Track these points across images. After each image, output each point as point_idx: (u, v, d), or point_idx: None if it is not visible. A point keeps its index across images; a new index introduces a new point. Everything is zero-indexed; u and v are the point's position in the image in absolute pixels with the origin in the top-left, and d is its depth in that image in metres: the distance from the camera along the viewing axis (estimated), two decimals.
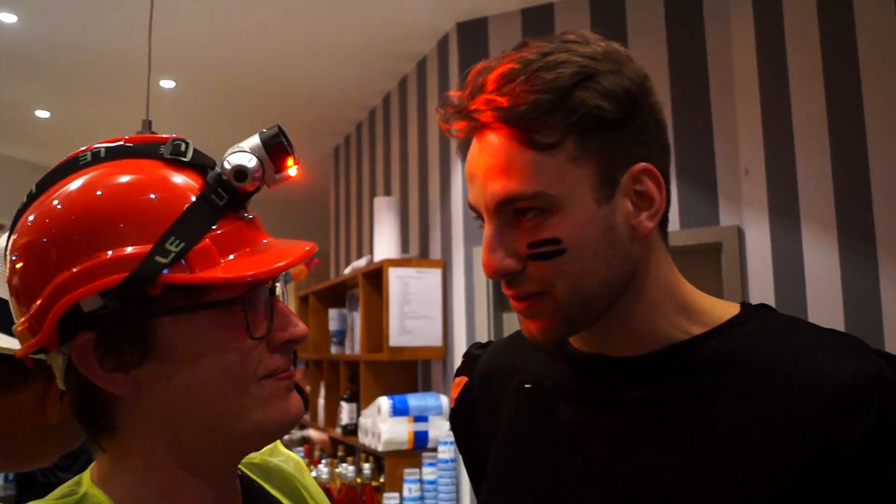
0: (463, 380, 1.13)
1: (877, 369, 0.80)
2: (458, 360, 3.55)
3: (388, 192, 4.59)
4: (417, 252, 4.11)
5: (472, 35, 3.62)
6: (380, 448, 3.54)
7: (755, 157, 2.88)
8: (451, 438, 3.49)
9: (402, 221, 4.11)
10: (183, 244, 0.71)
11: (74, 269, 0.70)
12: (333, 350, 4.54)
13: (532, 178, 0.82)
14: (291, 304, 6.12)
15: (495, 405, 1.03)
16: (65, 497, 0.75)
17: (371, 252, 4.09)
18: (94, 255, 0.70)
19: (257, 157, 0.76)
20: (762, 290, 2.80)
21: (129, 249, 0.70)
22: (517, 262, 0.85)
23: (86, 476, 0.79)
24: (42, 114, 5.12)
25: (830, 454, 0.79)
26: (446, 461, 3.45)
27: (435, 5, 3.52)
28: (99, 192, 0.72)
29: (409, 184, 4.29)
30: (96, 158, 0.75)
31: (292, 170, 0.80)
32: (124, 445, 0.76)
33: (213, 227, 0.73)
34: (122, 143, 0.77)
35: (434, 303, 3.70)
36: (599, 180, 0.83)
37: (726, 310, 0.92)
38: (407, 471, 3.48)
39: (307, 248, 0.78)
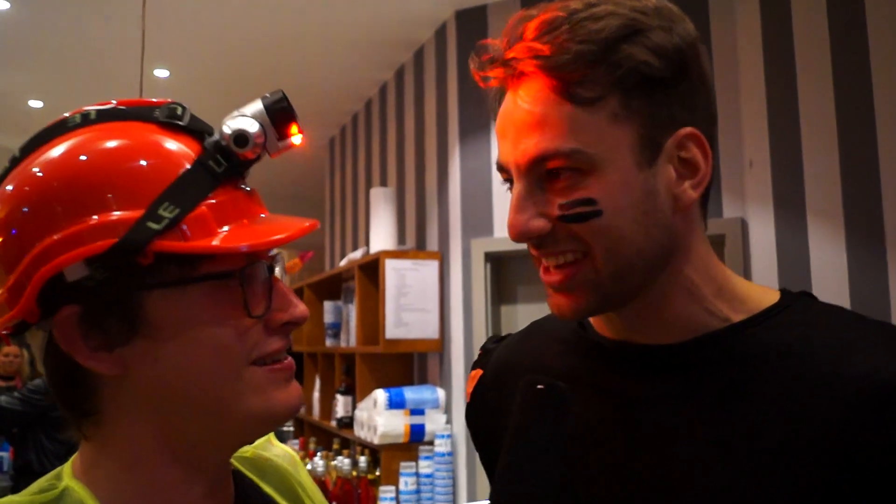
0: (478, 373, 1.08)
1: None
2: (454, 354, 3.55)
3: (384, 184, 4.54)
4: (414, 244, 4.06)
5: (471, 23, 3.57)
6: (376, 441, 3.50)
7: (759, 148, 2.84)
8: (448, 432, 3.47)
9: (398, 213, 4.06)
10: (178, 210, 0.66)
11: (57, 236, 0.65)
12: (328, 343, 4.50)
13: (569, 134, 0.77)
14: None
15: (506, 402, 0.99)
16: (43, 492, 0.70)
17: (367, 244, 4.04)
18: (79, 221, 0.65)
19: (259, 122, 0.72)
20: (766, 284, 2.74)
21: (118, 214, 0.65)
22: (547, 224, 0.79)
23: (66, 468, 0.73)
24: (35, 103, 5.05)
25: (868, 456, 0.73)
26: (443, 455, 3.41)
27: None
28: (85, 156, 0.67)
29: (405, 175, 4.24)
30: (86, 120, 0.70)
31: (296, 137, 0.75)
32: (108, 433, 0.71)
33: (210, 196, 0.69)
34: (113, 105, 0.72)
35: (431, 295, 3.65)
36: (642, 142, 0.78)
37: (766, 296, 0.86)
38: (403, 464, 3.44)
39: (307, 224, 0.73)
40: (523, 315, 3.47)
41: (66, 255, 0.64)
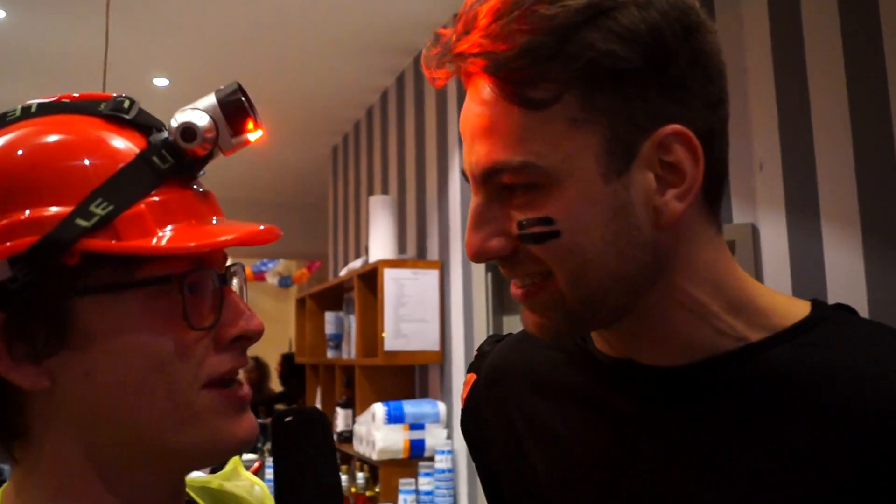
0: (472, 377, 0.97)
1: None
2: (455, 366, 3.43)
3: (385, 191, 4.45)
4: (415, 253, 3.96)
5: None
6: (374, 457, 3.39)
7: (770, 150, 2.72)
8: (449, 447, 3.35)
9: (399, 221, 3.96)
10: (111, 207, 0.60)
11: None
12: (330, 354, 4.40)
13: (519, 144, 0.65)
14: (289, 309, 5.99)
15: (501, 409, 0.88)
16: None
17: (367, 253, 3.94)
18: (5, 217, 0.60)
19: (211, 115, 0.66)
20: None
21: (48, 211, 0.60)
22: (506, 243, 0.68)
23: None
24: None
25: None
26: (443, 471, 3.29)
27: None
28: (15, 150, 0.62)
29: (406, 183, 4.15)
30: (26, 114, 0.65)
31: (253, 133, 0.68)
32: (37, 455, 0.65)
33: (152, 193, 0.63)
34: (56, 98, 0.68)
35: (431, 306, 3.54)
36: (609, 148, 0.65)
37: (794, 310, 0.73)
38: (402, 481, 3.33)
39: (261, 227, 0.66)
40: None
41: None
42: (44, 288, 0.60)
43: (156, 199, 0.63)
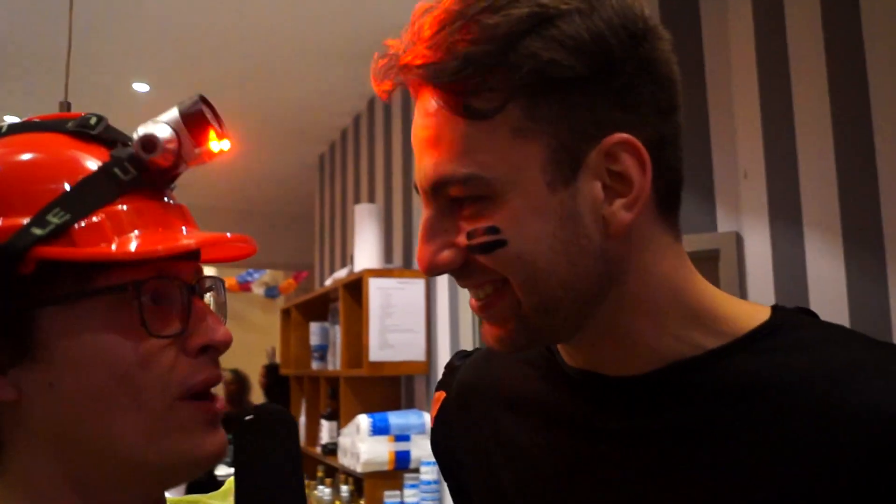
0: (441, 395, 0.96)
1: None
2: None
3: (372, 200, 4.43)
4: (402, 262, 3.94)
5: None
6: (359, 469, 3.36)
7: (754, 159, 2.72)
8: (433, 459, 3.32)
9: (385, 230, 3.95)
10: (68, 216, 0.61)
11: None
12: (315, 365, 4.37)
13: (463, 156, 0.65)
14: (275, 320, 5.95)
15: (472, 426, 0.87)
16: None
17: (352, 262, 3.92)
18: None
19: (173, 128, 0.66)
20: (762, 300, 2.62)
21: (6, 222, 0.60)
22: (456, 255, 0.68)
23: None
24: (11, 119, 4.96)
25: (877, 501, 0.60)
26: (429, 483, 3.27)
27: (418, 2, 3.35)
28: None
29: (393, 191, 4.13)
30: None
31: (216, 144, 0.69)
32: (9, 470, 0.64)
33: (114, 204, 0.63)
34: (27, 119, 0.70)
35: (417, 315, 3.52)
36: (554, 157, 0.65)
37: (753, 316, 0.72)
38: (387, 493, 3.31)
39: (228, 235, 0.68)
40: None
41: None
42: (3, 298, 0.60)
43: (119, 208, 0.63)
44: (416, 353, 3.50)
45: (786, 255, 2.58)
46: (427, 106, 0.67)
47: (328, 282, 4.17)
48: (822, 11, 2.50)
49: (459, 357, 0.99)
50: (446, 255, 0.68)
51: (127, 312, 0.62)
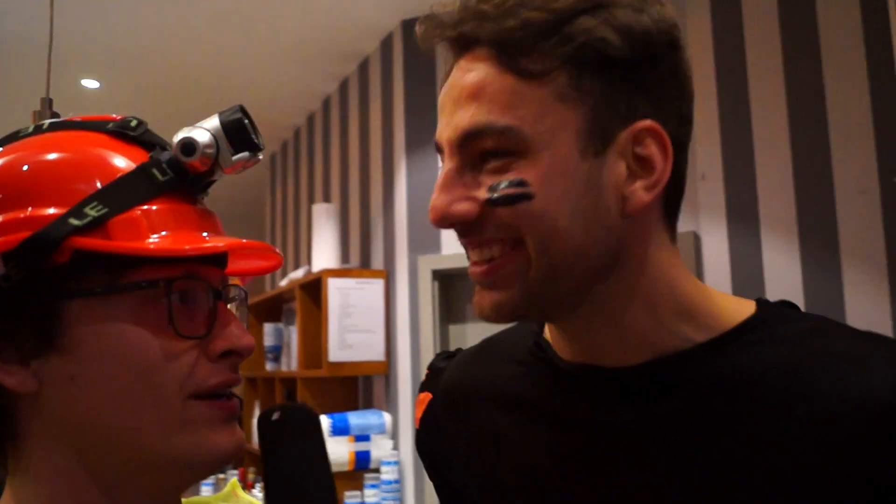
0: (427, 396, 0.96)
1: None
2: (401, 376, 3.41)
3: (327, 200, 4.40)
4: (358, 262, 3.92)
5: None
6: None
7: (712, 160, 2.79)
8: (395, 458, 3.32)
9: (342, 230, 3.92)
10: (105, 210, 0.62)
11: None
12: (269, 367, 4.32)
13: (507, 108, 0.67)
14: None
15: (463, 426, 0.88)
16: None
17: (309, 262, 3.89)
18: (9, 213, 0.61)
19: (212, 133, 0.68)
20: None
21: (45, 212, 0.61)
22: (472, 207, 0.69)
23: None
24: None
25: (868, 486, 0.63)
26: (390, 482, 3.26)
27: (379, 2, 3.35)
28: (24, 158, 0.65)
29: (349, 191, 4.11)
30: (38, 130, 0.68)
31: (253, 152, 0.71)
32: (29, 464, 0.64)
33: (149, 203, 0.64)
34: (69, 118, 0.70)
35: (376, 315, 3.51)
36: (590, 127, 0.68)
37: (740, 310, 0.75)
38: (348, 493, 3.29)
39: (247, 241, 0.68)
40: (472, 334, 3.34)
41: None
42: (34, 288, 0.60)
43: (154, 207, 0.64)
44: (376, 353, 3.49)
45: (743, 254, 2.65)
46: (474, 61, 0.70)
47: (283, 282, 4.13)
48: (779, 17, 2.57)
49: (442, 358, 0.99)
50: (463, 206, 0.69)
51: (153, 310, 0.63)
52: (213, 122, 0.69)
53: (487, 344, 0.94)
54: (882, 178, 2.30)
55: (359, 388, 3.81)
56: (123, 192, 0.64)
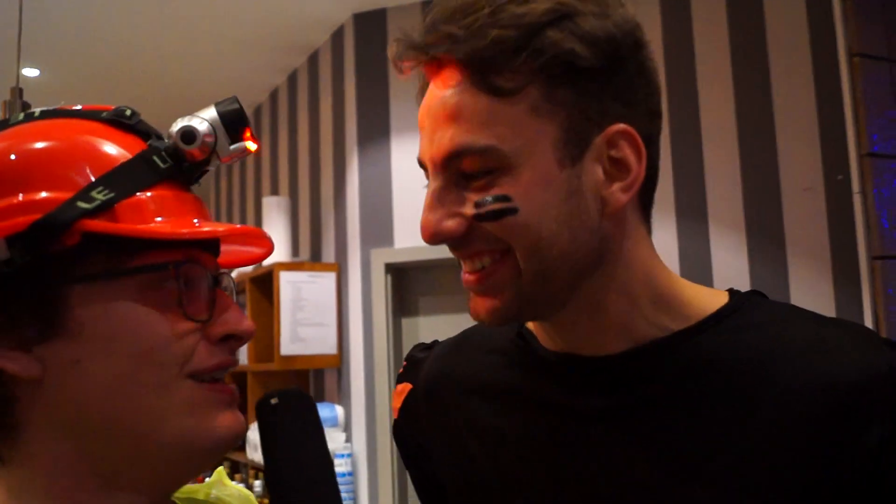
0: (407, 387, 0.99)
1: (890, 365, 0.70)
2: (354, 369, 3.42)
3: (275, 192, 4.37)
4: (308, 255, 3.91)
5: (370, 27, 3.47)
6: None
7: (662, 158, 2.83)
8: (348, 451, 3.33)
9: (292, 223, 3.90)
10: (112, 194, 0.62)
11: None
12: None
13: (484, 128, 0.70)
14: None
15: (443, 416, 0.91)
16: None
17: None
18: (7, 198, 0.61)
19: (210, 123, 0.69)
20: None
21: (46, 195, 0.61)
22: (460, 224, 0.72)
23: None
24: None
25: (839, 464, 0.68)
26: (342, 475, 3.27)
27: None
28: (24, 141, 0.64)
29: (299, 184, 4.09)
30: (29, 118, 0.68)
31: (251, 143, 0.72)
32: (28, 454, 0.63)
33: (150, 189, 0.65)
34: (60, 107, 0.70)
35: (328, 309, 3.51)
36: (566, 137, 0.71)
37: (713, 300, 0.79)
38: None
39: (242, 227, 0.72)
40: (425, 327, 3.38)
41: None
42: (39, 273, 0.60)
43: (153, 194, 0.65)
44: (328, 346, 3.49)
45: (691, 249, 2.73)
46: (449, 83, 0.72)
47: (233, 275, 4.08)
48: (728, 20, 2.65)
49: (420, 350, 1.02)
50: (451, 223, 0.72)
51: (157, 293, 0.63)
52: (211, 112, 0.70)
53: (467, 335, 0.97)
54: (826, 176, 2.40)
55: (310, 381, 3.80)
56: (128, 178, 0.64)
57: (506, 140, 0.70)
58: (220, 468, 0.87)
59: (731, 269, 2.58)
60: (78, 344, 0.61)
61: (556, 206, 0.71)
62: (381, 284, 3.33)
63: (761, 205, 2.53)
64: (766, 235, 2.50)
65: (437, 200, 0.73)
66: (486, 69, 0.69)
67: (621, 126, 0.72)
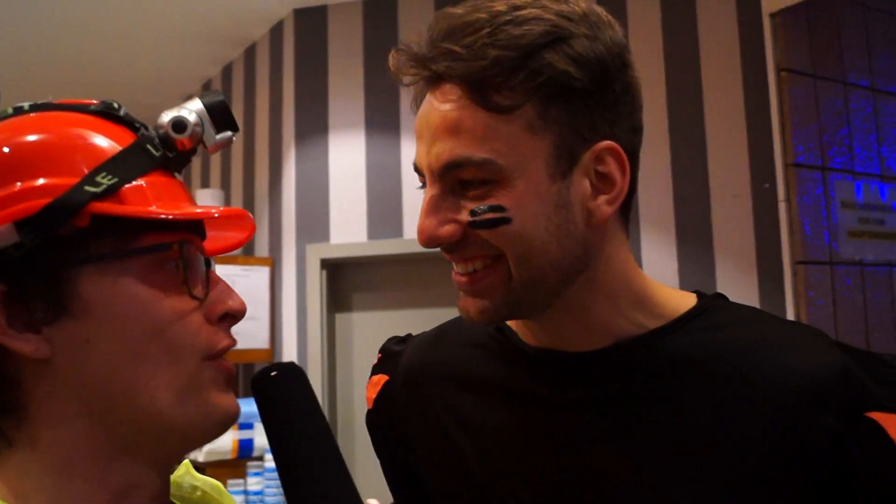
0: (383, 378, 1.03)
1: (841, 363, 0.77)
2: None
3: (206, 185, 4.30)
4: (241, 249, 3.86)
5: (310, 23, 3.47)
6: (200, 458, 3.27)
7: None
8: None
9: None
10: (116, 179, 0.65)
11: None
12: None
13: (481, 142, 0.74)
14: None
15: (424, 409, 0.95)
16: None
17: None
18: (8, 187, 0.63)
19: (197, 114, 0.73)
20: None
21: (45, 181, 0.63)
22: (456, 230, 0.77)
23: None
24: None
25: (799, 453, 0.75)
26: (273, 470, 3.26)
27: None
28: (22, 131, 0.67)
29: (231, 177, 4.05)
30: (18, 111, 0.70)
31: (231, 132, 0.76)
32: (35, 435, 0.65)
33: (146, 175, 0.68)
34: (49, 102, 0.72)
35: (261, 303, 3.49)
36: (557, 153, 0.76)
37: (683, 301, 0.86)
38: (231, 482, 3.24)
39: (238, 209, 0.75)
40: (359, 323, 3.40)
41: None
42: (47, 255, 0.62)
43: (149, 180, 0.68)
44: (260, 341, 3.47)
45: None
46: (446, 97, 0.76)
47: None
48: (662, 31, 2.76)
49: (395, 342, 1.06)
50: (448, 228, 0.77)
51: (159, 273, 0.66)
52: (197, 104, 0.74)
53: (446, 329, 1.02)
54: (753, 183, 2.54)
55: (240, 375, 3.77)
56: (127, 165, 0.67)
57: (502, 155, 0.74)
58: (186, 461, 0.87)
59: (662, 270, 2.69)
60: (86, 324, 0.63)
61: (547, 217, 0.76)
62: (315, 280, 3.33)
63: (691, 210, 2.65)
64: (695, 239, 2.62)
65: (434, 207, 0.77)
66: (485, 87, 0.74)
67: (607, 143, 0.77)
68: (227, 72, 4.16)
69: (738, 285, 2.52)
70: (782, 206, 2.27)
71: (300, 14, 3.49)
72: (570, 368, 0.84)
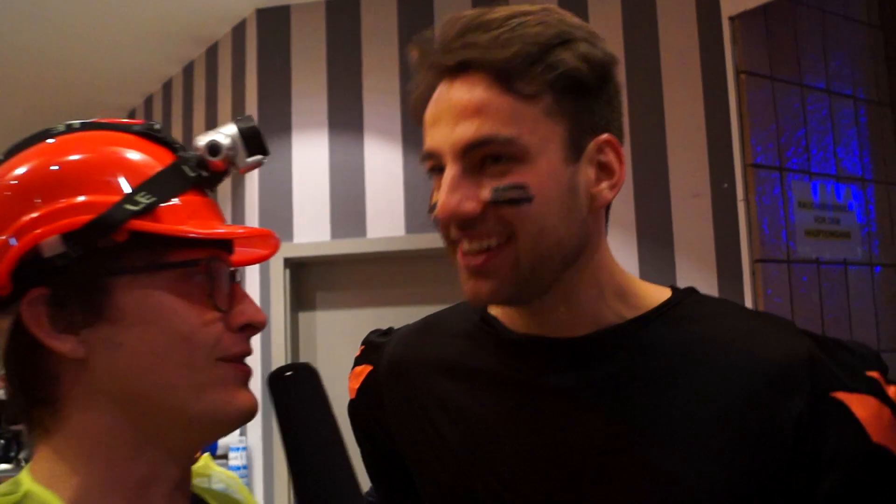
0: (366, 368, 1.05)
1: (808, 350, 0.82)
2: (250, 362, 3.37)
3: None
4: None
5: (273, 23, 3.46)
6: None
7: None
8: (243, 444, 3.30)
9: None
10: (154, 198, 0.71)
11: (36, 214, 0.69)
12: None
13: (508, 122, 0.80)
14: None
15: (409, 398, 0.98)
16: (3, 496, 0.69)
17: None
18: (57, 202, 0.70)
19: (231, 137, 0.78)
20: None
21: (96, 197, 0.70)
22: (476, 206, 0.80)
23: (24, 473, 0.72)
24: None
25: (768, 435, 0.80)
26: (237, 468, 3.25)
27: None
28: (68, 150, 0.73)
29: None
30: (70, 129, 0.76)
31: (263, 156, 0.82)
32: (69, 425, 0.72)
33: (181, 194, 0.74)
34: (94, 121, 0.79)
35: None
36: (569, 141, 0.82)
37: (658, 294, 0.91)
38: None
39: (269, 231, 0.82)
40: (322, 322, 3.39)
41: (45, 228, 0.67)
42: (88, 265, 0.69)
43: (184, 199, 0.74)
44: None
45: None
46: (473, 82, 0.81)
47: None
48: (623, 33, 2.79)
49: (378, 335, 1.09)
50: (469, 204, 0.80)
51: (188, 285, 0.72)
52: (231, 128, 0.79)
53: (430, 321, 1.05)
54: (713, 184, 2.58)
55: None
56: (165, 184, 0.73)
57: (524, 135, 0.79)
58: (207, 454, 0.93)
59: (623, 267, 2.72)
60: (120, 328, 0.70)
61: (560, 199, 0.81)
62: (279, 278, 3.33)
63: (652, 209, 2.69)
64: (655, 238, 2.66)
65: (456, 184, 0.80)
66: (510, 76, 0.79)
67: (608, 136, 0.84)
68: (188, 71, 4.12)
69: (698, 283, 2.53)
70: (741, 206, 2.31)
71: (263, 13, 3.47)
72: (555, 353, 0.87)
